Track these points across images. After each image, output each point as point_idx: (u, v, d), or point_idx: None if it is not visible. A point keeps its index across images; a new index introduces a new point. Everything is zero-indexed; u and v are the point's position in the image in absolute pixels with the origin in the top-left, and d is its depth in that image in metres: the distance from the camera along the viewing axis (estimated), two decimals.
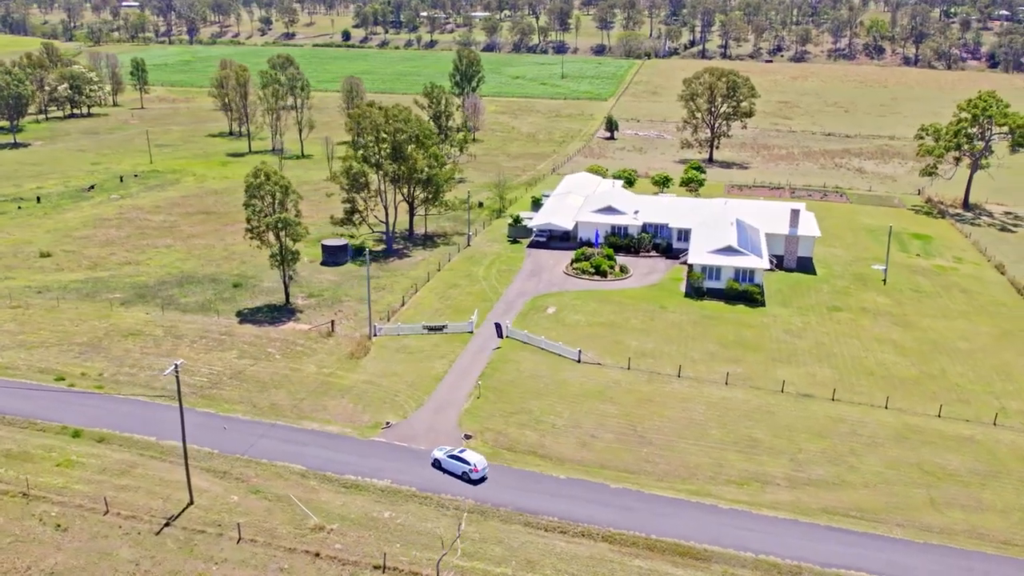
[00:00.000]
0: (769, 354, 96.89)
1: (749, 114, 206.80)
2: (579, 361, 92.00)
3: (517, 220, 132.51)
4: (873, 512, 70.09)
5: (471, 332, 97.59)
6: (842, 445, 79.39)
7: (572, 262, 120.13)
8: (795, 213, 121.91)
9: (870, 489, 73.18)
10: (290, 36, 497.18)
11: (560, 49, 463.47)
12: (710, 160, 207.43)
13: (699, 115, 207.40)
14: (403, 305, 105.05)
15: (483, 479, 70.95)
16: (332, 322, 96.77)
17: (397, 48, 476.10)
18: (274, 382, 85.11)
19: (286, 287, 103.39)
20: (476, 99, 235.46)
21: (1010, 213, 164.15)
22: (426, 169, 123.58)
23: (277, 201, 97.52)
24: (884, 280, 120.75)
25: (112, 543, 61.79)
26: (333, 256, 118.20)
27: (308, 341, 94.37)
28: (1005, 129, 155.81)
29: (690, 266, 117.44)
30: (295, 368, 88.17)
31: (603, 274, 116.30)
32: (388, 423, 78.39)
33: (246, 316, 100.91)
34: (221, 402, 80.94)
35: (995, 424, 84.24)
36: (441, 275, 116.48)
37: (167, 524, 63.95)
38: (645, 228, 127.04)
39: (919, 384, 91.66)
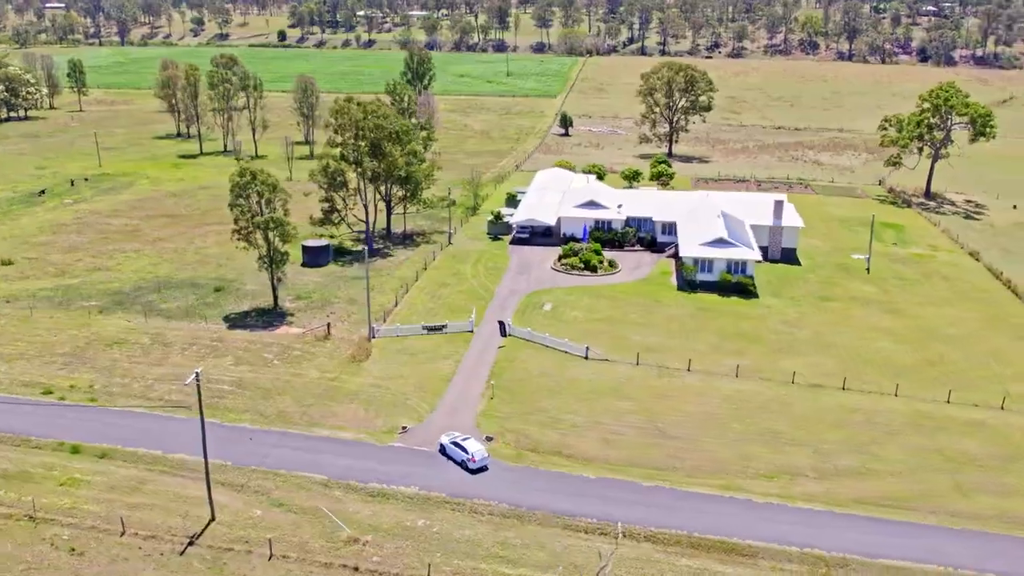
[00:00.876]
0: (771, 345, 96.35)
1: (708, 108, 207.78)
2: (587, 358, 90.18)
3: (498, 216, 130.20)
4: (904, 500, 69.66)
5: (471, 331, 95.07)
6: (861, 434, 78.97)
7: (560, 258, 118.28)
8: (779, 204, 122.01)
9: (897, 477, 72.79)
10: (224, 37, 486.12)
11: (500, 47, 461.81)
12: (669, 154, 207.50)
13: (657, 110, 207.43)
14: (396, 305, 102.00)
15: (483, 469, 69.64)
16: (328, 325, 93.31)
17: (335, 48, 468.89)
18: (277, 389, 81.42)
19: (274, 290, 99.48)
20: (430, 96, 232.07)
21: (971, 201, 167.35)
22: (405, 166, 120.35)
23: (265, 200, 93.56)
24: (868, 269, 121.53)
25: (135, 566, 57.86)
26: (315, 257, 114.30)
27: (305, 345, 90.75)
28: (965, 119, 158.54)
29: (679, 258, 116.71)
30: (296, 373, 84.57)
31: (592, 269, 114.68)
32: (404, 427, 75.49)
33: (235, 321, 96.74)
34: (225, 411, 77.05)
35: (1003, 408, 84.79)
36: (428, 274, 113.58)
37: (191, 543, 60.21)
38: (629, 222, 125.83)
39: (920, 371, 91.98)
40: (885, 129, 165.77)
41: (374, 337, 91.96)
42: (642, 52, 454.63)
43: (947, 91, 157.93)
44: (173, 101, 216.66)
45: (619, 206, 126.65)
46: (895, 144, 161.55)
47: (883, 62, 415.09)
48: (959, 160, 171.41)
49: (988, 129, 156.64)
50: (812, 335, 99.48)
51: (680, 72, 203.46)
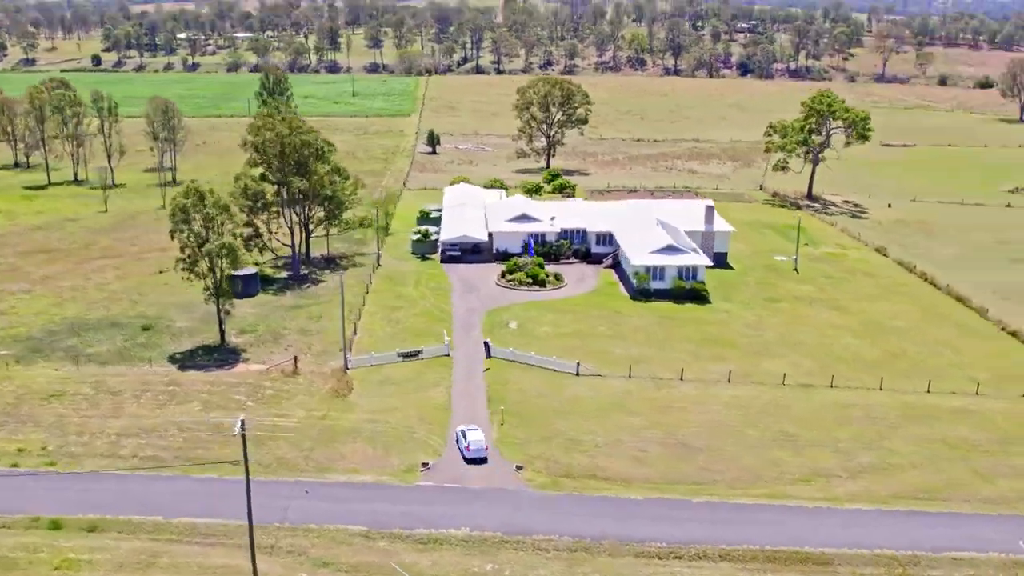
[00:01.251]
0: (745, 349, 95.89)
1: (584, 121, 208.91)
2: (577, 374, 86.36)
3: (426, 235, 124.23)
4: (935, 491, 70.02)
5: (448, 355, 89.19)
6: (867, 430, 79.23)
7: (503, 274, 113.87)
8: (710, 210, 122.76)
9: (919, 470, 73.19)
10: (31, 62, 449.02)
11: (333, 68, 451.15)
12: (548, 168, 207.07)
13: (534, 124, 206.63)
14: (355, 333, 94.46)
15: (481, 460, 69.19)
16: (295, 359, 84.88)
17: (157, 72, 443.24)
18: (266, 434, 72.73)
19: (221, 324, 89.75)
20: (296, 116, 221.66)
21: (848, 202, 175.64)
22: (329, 185, 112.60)
23: (218, 225, 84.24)
24: (796, 270, 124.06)
25: None
26: (245, 287, 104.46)
27: (274, 383, 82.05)
28: (844, 123, 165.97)
29: (618, 268, 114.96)
30: (281, 414, 76.04)
31: (541, 283, 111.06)
32: (425, 464, 69.03)
33: (183, 361, 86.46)
34: (218, 464, 67.79)
35: (977, 394, 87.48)
36: (372, 298, 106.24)
37: None
38: (562, 234, 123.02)
39: (889, 364, 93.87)
40: (770, 135, 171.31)
41: (348, 368, 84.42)
42: (477, 71, 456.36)
43: (828, 97, 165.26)
44: (10, 128, 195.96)
45: (552, 218, 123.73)
46: (783, 150, 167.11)
47: (710, 76, 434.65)
48: (835, 163, 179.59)
49: (867, 132, 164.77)
50: (778, 336, 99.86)
51: (557, 86, 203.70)
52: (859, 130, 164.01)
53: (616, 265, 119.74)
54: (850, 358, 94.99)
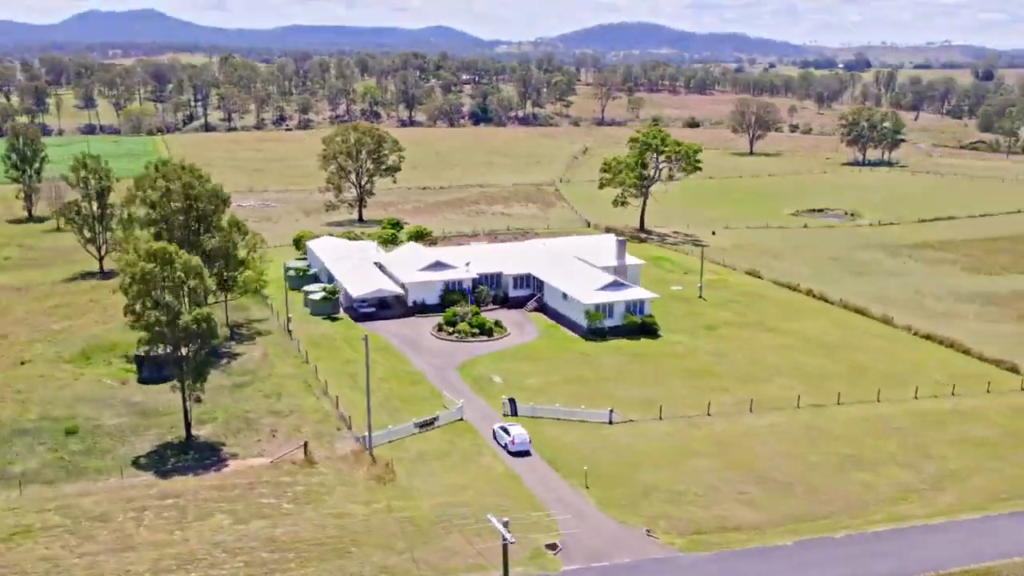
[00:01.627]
0: (730, 377, 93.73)
1: (397, 168, 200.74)
2: (611, 423, 79.25)
3: (332, 292, 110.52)
4: (1011, 491, 70.96)
5: (461, 418, 78.55)
6: (907, 440, 79.85)
7: (441, 327, 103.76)
8: (621, 244, 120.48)
9: (984, 474, 74.47)
10: None
11: (45, 131, 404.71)
12: (360, 219, 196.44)
13: (343, 174, 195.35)
14: (338, 407, 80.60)
15: (525, 453, 72.00)
16: (305, 444, 70.29)
17: None
18: (336, 542, 58.68)
19: (187, 416, 72.64)
20: (58, 182, 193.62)
21: (678, 232, 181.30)
22: (233, 241, 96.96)
23: (189, 292, 68.26)
24: (701, 296, 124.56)
25: None
26: (155, 369, 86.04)
27: (294, 477, 67.21)
28: (674, 157, 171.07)
29: (545, 310, 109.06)
30: (337, 514, 62.02)
31: (488, 333, 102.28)
32: (552, 545, 58.96)
33: (157, 467, 68.63)
34: None
35: (953, 394, 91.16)
36: (322, 368, 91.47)
37: None
38: (479, 280, 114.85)
39: (859, 376, 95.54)
40: (607, 172, 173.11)
41: (370, 448, 71.35)
42: (206, 128, 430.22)
43: (660, 133, 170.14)
44: None
45: (467, 264, 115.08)
46: (623, 185, 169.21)
47: (451, 125, 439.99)
48: (667, 196, 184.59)
49: (698, 164, 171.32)
50: (747, 362, 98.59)
51: (367, 133, 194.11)
52: (690, 162, 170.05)
53: (542, 307, 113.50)
54: (825, 375, 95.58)
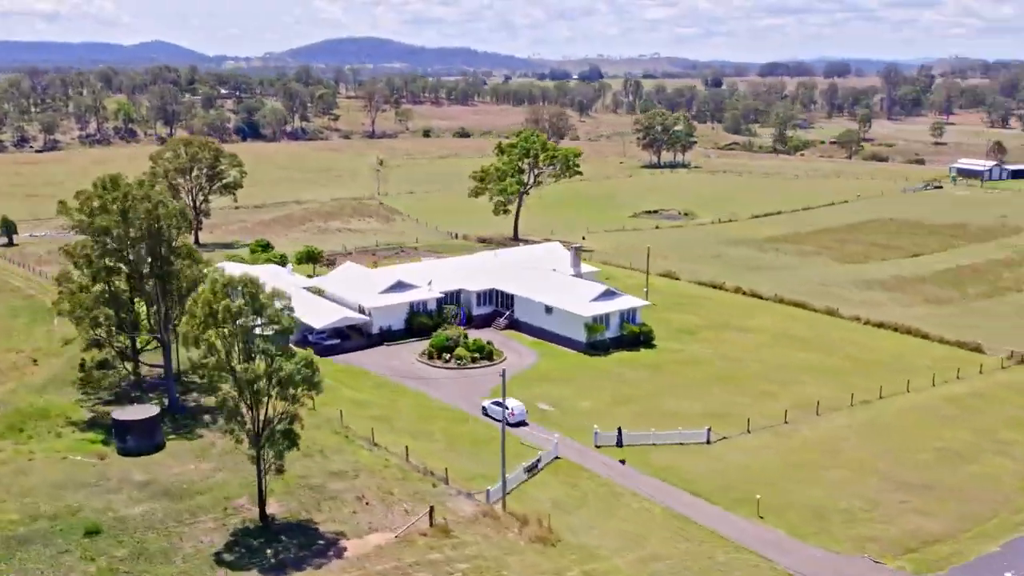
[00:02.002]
0: (761, 382, 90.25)
1: (239, 186, 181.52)
2: (708, 442, 72.74)
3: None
4: None
5: (558, 456, 68.80)
6: (965, 428, 79.25)
7: (432, 354, 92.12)
8: (576, 252, 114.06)
9: None
10: None
11: None
12: (197, 242, 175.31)
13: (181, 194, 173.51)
14: (408, 459, 67.71)
15: (521, 423, 74.85)
16: (431, 509, 57.62)
17: None
18: None
19: (261, 493, 57.43)
20: None
21: (549, 238, 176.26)
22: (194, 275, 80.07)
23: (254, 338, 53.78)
24: (648, 301, 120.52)
25: None
26: (144, 436, 68.67)
27: (439, 552, 54.61)
28: (554, 161, 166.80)
29: (517, 327, 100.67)
30: None
31: (489, 356, 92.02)
32: None
33: (261, 563, 53.23)
34: None
35: (958, 378, 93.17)
36: (346, 414, 77.20)
37: None
38: (444, 298, 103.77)
39: (862, 370, 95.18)
40: (481, 180, 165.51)
41: (504, 503, 60.00)
42: None
43: (539, 138, 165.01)
44: None
45: (429, 283, 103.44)
46: (504, 192, 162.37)
47: (222, 141, 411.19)
48: (540, 201, 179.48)
49: (577, 168, 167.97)
50: (759, 365, 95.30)
51: (204, 148, 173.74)
52: (569, 166, 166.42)
53: (513, 324, 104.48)
54: (836, 370, 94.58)
